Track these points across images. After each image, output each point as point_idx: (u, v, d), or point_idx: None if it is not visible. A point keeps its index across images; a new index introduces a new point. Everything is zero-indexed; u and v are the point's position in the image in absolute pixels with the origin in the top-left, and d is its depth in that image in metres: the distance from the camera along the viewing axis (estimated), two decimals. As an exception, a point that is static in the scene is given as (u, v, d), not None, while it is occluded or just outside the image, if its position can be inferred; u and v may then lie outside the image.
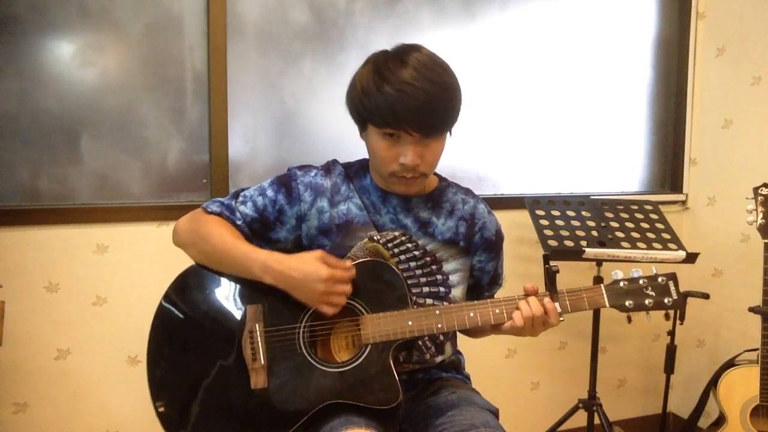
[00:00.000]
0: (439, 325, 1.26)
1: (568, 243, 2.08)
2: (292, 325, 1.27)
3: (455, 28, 2.42)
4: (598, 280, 2.20)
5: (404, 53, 1.25)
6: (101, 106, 2.02)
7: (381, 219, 1.37)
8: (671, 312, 1.32)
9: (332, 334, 1.31)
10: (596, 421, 2.28)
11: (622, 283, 1.29)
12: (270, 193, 1.36)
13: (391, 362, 1.25)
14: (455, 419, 1.27)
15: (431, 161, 1.29)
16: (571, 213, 2.19)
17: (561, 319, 1.28)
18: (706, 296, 2.25)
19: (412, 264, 1.36)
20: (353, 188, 1.38)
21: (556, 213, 2.18)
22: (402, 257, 1.35)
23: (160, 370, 1.26)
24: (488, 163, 2.52)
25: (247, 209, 1.34)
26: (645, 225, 2.19)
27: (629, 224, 2.18)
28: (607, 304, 1.28)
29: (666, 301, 1.29)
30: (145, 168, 2.08)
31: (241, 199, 1.36)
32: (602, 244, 2.08)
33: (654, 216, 2.24)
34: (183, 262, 1.33)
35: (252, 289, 1.27)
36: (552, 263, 1.30)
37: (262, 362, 1.23)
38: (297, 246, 1.37)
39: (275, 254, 1.25)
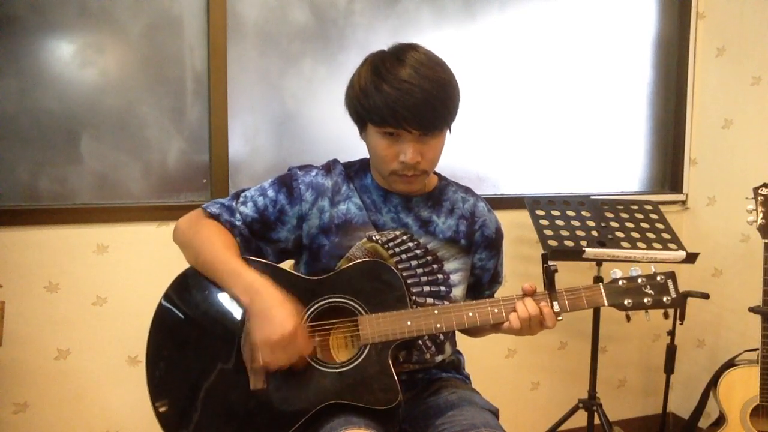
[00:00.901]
0: (438, 325, 1.26)
1: (568, 243, 2.08)
2: None
3: (455, 28, 2.42)
4: (598, 280, 2.20)
5: (401, 52, 1.26)
6: (101, 106, 2.02)
7: (382, 218, 1.37)
8: (670, 311, 1.32)
9: (331, 334, 1.31)
10: (596, 421, 2.28)
11: (620, 282, 1.29)
12: (271, 193, 1.35)
13: (390, 362, 1.24)
14: (455, 419, 1.27)
15: (431, 158, 1.30)
16: (571, 213, 2.19)
17: (559, 318, 1.27)
18: (706, 296, 2.25)
19: (413, 263, 1.36)
20: (353, 188, 1.38)
21: (556, 213, 2.18)
22: (403, 256, 1.35)
23: (160, 371, 1.26)
24: (488, 163, 2.52)
25: (248, 210, 1.34)
26: (645, 225, 2.19)
27: (629, 224, 2.18)
28: (605, 303, 1.28)
29: (665, 299, 1.28)
30: (145, 168, 2.08)
31: (241, 199, 1.36)
32: (602, 244, 2.08)
33: (654, 216, 2.24)
34: (183, 262, 1.33)
35: None
36: (551, 262, 1.29)
37: (261, 363, 1.23)
38: (297, 246, 1.37)
39: (262, 279, 1.22)
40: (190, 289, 1.30)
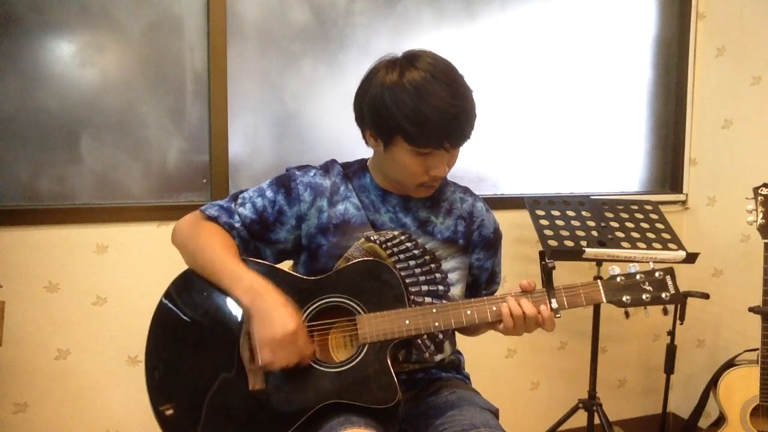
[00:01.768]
0: (437, 324, 1.26)
1: (568, 243, 2.08)
2: None
3: (455, 28, 2.42)
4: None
5: (421, 65, 1.24)
6: (101, 106, 2.02)
7: (380, 218, 1.37)
8: (669, 307, 1.31)
9: (329, 334, 1.31)
10: (596, 421, 2.28)
11: (619, 279, 1.29)
12: (269, 194, 1.36)
13: (389, 361, 1.24)
14: (455, 419, 1.27)
15: (453, 165, 1.34)
16: (571, 213, 2.19)
17: (558, 315, 1.26)
18: (706, 296, 2.25)
19: (412, 263, 1.36)
20: (351, 188, 1.38)
21: (556, 213, 2.18)
22: (401, 256, 1.36)
23: (159, 372, 1.26)
24: (488, 163, 2.52)
25: (246, 211, 1.34)
26: (645, 225, 2.19)
27: (629, 224, 2.18)
28: (604, 300, 1.28)
29: (663, 295, 1.28)
30: (145, 168, 2.08)
31: (239, 201, 1.36)
32: (602, 244, 2.08)
33: (654, 216, 2.24)
34: (183, 262, 1.33)
35: None
36: (548, 260, 1.29)
37: (260, 363, 1.23)
38: (296, 246, 1.37)
39: (262, 280, 1.23)
40: (190, 289, 1.30)
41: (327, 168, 1.40)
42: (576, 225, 2.15)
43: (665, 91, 2.76)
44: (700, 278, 2.63)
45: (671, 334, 2.42)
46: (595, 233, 2.13)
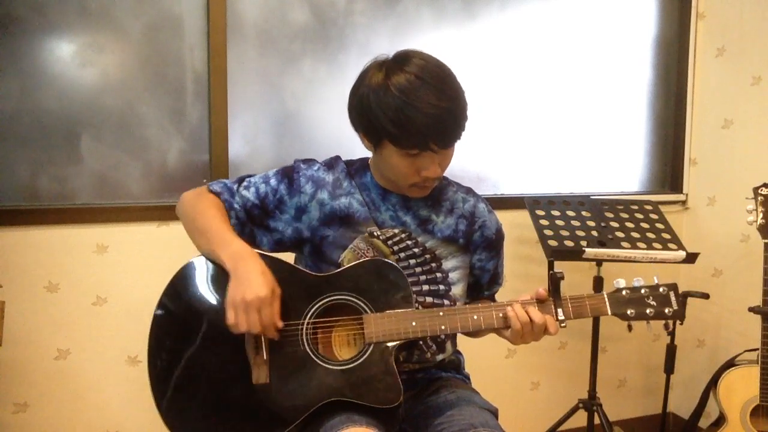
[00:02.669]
0: (443, 327, 1.26)
1: (568, 243, 2.08)
2: (296, 321, 1.27)
3: (455, 28, 2.42)
4: (598, 280, 2.20)
5: (420, 70, 1.23)
6: (101, 106, 2.02)
7: (381, 216, 1.38)
8: (670, 322, 1.34)
9: (333, 331, 1.31)
10: (596, 421, 2.28)
11: (624, 292, 1.31)
12: (273, 182, 1.38)
13: (394, 362, 1.25)
14: (454, 419, 1.27)
15: (447, 166, 1.33)
16: (571, 213, 2.19)
17: (563, 326, 1.28)
18: (706, 296, 2.25)
19: (412, 261, 1.36)
20: (354, 185, 1.39)
21: (556, 213, 2.18)
22: (402, 255, 1.36)
23: (162, 364, 1.26)
24: (488, 163, 2.52)
25: (249, 194, 1.37)
26: (645, 225, 2.19)
27: (629, 224, 2.18)
28: (609, 312, 1.30)
29: (667, 311, 1.30)
30: (145, 168, 2.08)
31: (245, 184, 1.39)
32: (602, 244, 2.08)
33: (654, 216, 2.24)
34: (183, 262, 1.33)
35: None
36: (557, 269, 1.30)
37: (265, 357, 1.24)
38: (294, 240, 1.38)
39: (250, 249, 1.25)
40: (194, 282, 1.30)
41: (331, 164, 1.42)
42: (576, 225, 2.15)
43: (665, 91, 2.76)
44: (700, 278, 2.63)
45: (671, 334, 2.43)
46: (595, 233, 2.13)
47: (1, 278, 1.88)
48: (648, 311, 1.30)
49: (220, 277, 1.29)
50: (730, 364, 2.24)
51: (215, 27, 2.08)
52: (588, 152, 2.66)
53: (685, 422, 2.52)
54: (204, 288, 1.30)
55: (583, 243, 2.08)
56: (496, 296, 1.54)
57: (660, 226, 2.20)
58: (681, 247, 2.10)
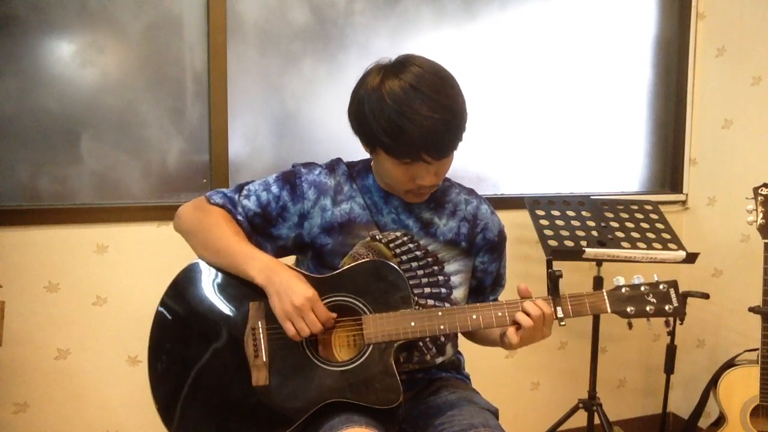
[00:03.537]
0: (442, 327, 1.26)
1: (568, 243, 2.08)
2: None
3: (455, 28, 2.42)
4: (598, 280, 2.20)
5: (416, 79, 1.21)
6: (101, 106, 2.02)
7: (383, 219, 1.37)
8: (671, 319, 1.33)
9: (333, 333, 1.31)
10: (596, 421, 2.28)
11: (623, 290, 1.30)
12: (274, 189, 1.36)
13: (393, 362, 1.25)
14: (455, 419, 1.27)
15: (444, 174, 1.32)
16: (571, 213, 2.19)
17: (562, 324, 1.27)
18: (706, 296, 2.25)
19: (414, 264, 1.36)
20: (356, 188, 1.38)
21: (556, 213, 2.18)
22: (404, 257, 1.36)
23: (162, 366, 1.26)
24: (488, 163, 2.52)
25: (251, 203, 1.35)
26: (645, 225, 2.19)
27: (629, 224, 2.18)
28: (608, 310, 1.29)
29: (667, 308, 1.29)
30: (145, 168, 2.08)
31: (245, 192, 1.37)
32: (602, 244, 2.08)
33: (654, 216, 2.24)
34: (183, 262, 1.33)
35: (255, 286, 1.28)
36: (555, 268, 1.30)
37: (264, 359, 1.24)
38: (296, 245, 1.38)
39: (276, 259, 1.27)
40: (194, 285, 1.30)
41: (332, 167, 1.41)
42: (576, 225, 2.15)
43: (665, 91, 2.77)
44: (700, 278, 2.63)
45: (671, 334, 2.43)
46: (595, 233, 2.13)
47: (1, 278, 1.88)
48: (648, 308, 1.29)
49: (221, 280, 1.30)
50: (730, 364, 2.24)
51: (215, 27, 2.08)
52: (588, 152, 2.66)
53: (685, 422, 2.52)
54: (204, 291, 1.29)
55: (583, 243, 2.08)
56: (499, 298, 1.53)
57: (660, 226, 2.20)
58: (681, 247, 2.10)
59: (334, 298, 1.28)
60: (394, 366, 1.24)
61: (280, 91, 2.22)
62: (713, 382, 2.25)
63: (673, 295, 1.30)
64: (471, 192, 1.46)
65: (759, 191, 2.07)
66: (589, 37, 2.62)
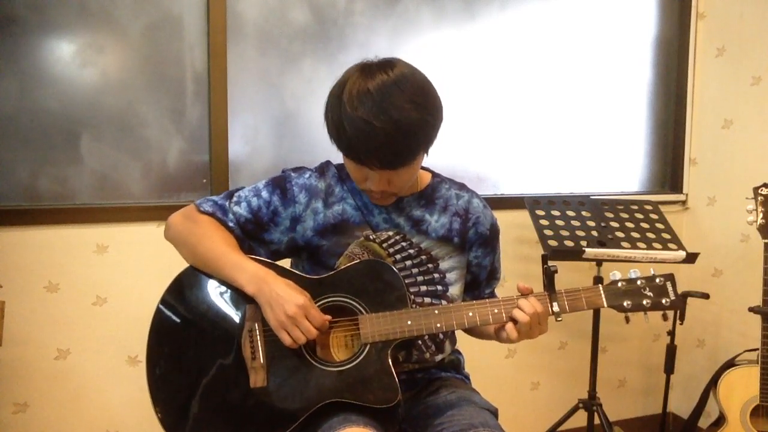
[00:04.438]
0: (438, 325, 1.26)
1: (568, 243, 2.08)
2: None
3: (455, 28, 2.42)
4: (598, 280, 2.20)
5: (374, 82, 1.20)
6: (101, 106, 2.02)
7: (374, 219, 1.37)
8: (669, 312, 1.33)
9: (331, 333, 1.31)
10: (596, 421, 2.28)
11: (620, 284, 1.30)
12: (265, 194, 1.36)
13: (390, 362, 1.25)
14: (454, 419, 1.27)
15: (400, 185, 1.29)
16: (571, 213, 2.19)
17: (559, 319, 1.28)
18: (706, 296, 2.25)
19: (408, 263, 1.36)
20: (347, 189, 1.38)
21: (556, 213, 2.18)
22: (398, 257, 1.36)
23: (160, 370, 1.26)
24: (488, 163, 2.52)
25: (241, 210, 1.35)
26: (645, 225, 2.19)
27: (629, 224, 2.18)
28: (605, 305, 1.29)
29: (664, 301, 1.29)
30: (145, 168, 2.08)
31: (235, 199, 1.36)
32: (602, 244, 2.08)
33: (654, 216, 2.24)
34: (183, 262, 1.33)
35: None
36: (551, 263, 1.30)
37: (262, 361, 1.24)
38: (290, 249, 1.38)
39: (265, 268, 1.26)
40: (191, 288, 1.30)
41: (322, 170, 1.41)
42: (576, 225, 2.15)
43: (665, 91, 2.77)
44: (700, 278, 2.63)
45: (671, 334, 2.42)
46: (595, 233, 2.13)
47: (1, 278, 1.88)
48: (645, 302, 1.29)
49: (219, 283, 1.29)
50: (730, 364, 2.24)
51: (215, 27, 2.08)
52: (588, 152, 2.66)
53: (685, 422, 2.52)
54: (203, 293, 1.29)
55: (583, 243, 2.08)
56: (495, 292, 1.53)
57: (660, 226, 2.20)
58: (681, 247, 2.10)
59: (330, 299, 1.28)
60: (391, 365, 1.24)
61: (280, 91, 2.22)
62: (713, 382, 2.25)
63: (669, 288, 1.29)
64: (462, 186, 1.46)
65: (759, 191, 2.07)
66: (589, 37, 2.62)
